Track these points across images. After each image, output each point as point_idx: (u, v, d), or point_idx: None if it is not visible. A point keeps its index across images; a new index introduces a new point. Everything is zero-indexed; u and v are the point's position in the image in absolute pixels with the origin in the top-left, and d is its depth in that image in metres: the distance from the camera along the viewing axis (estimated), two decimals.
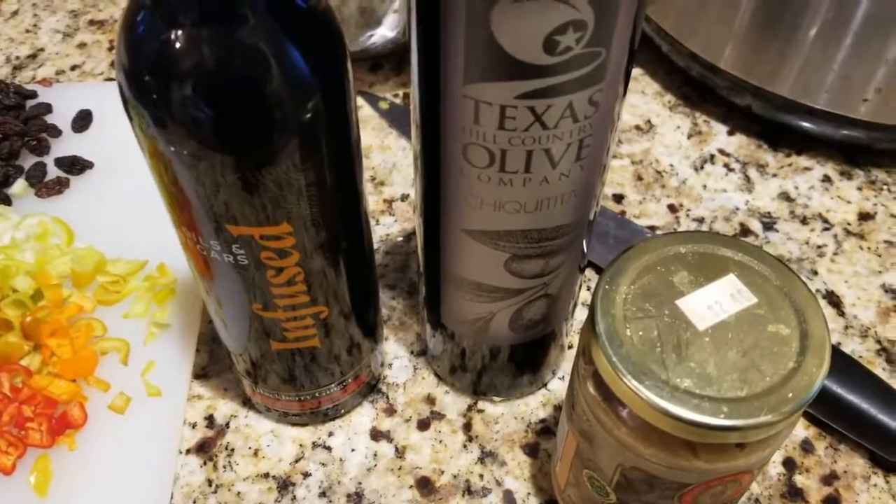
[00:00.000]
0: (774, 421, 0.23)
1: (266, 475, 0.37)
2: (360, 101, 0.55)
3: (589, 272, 0.45)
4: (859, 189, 0.50)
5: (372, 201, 0.49)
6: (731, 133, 0.53)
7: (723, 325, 0.25)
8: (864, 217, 0.48)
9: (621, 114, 0.28)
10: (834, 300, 0.44)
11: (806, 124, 0.50)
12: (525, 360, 0.38)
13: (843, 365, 0.38)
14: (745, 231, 0.47)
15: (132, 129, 0.25)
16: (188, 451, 0.37)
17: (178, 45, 0.23)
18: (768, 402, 0.23)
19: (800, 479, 0.37)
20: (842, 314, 0.43)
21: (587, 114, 0.25)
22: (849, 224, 0.48)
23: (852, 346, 0.42)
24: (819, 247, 0.46)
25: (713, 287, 0.26)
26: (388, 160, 0.51)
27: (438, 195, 0.29)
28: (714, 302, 0.25)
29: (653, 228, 0.47)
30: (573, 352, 0.41)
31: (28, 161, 0.49)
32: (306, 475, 0.37)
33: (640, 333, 0.25)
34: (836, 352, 0.38)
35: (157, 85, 0.23)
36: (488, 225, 0.29)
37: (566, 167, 0.26)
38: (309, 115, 0.25)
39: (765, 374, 0.24)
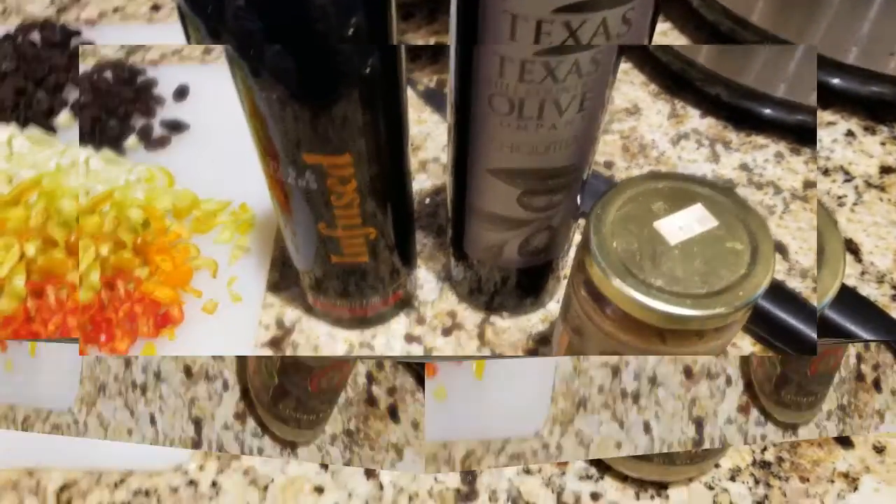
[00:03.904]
0: (726, 313, 0.24)
1: None
2: None
3: (582, 221, 0.46)
4: (882, 144, 0.45)
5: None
6: (702, 116, 0.53)
7: (690, 241, 0.26)
8: (886, 170, 0.44)
9: (614, 85, 0.29)
10: (852, 247, 0.40)
11: (834, 80, 0.44)
12: (529, 284, 0.39)
13: (859, 306, 0.36)
14: None
15: (234, 83, 0.27)
16: (262, 345, 0.39)
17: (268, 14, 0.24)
18: (723, 298, 0.24)
19: None
20: (859, 261, 0.40)
21: (601, 57, 0.26)
22: (870, 177, 0.43)
23: (868, 291, 0.39)
24: (839, 197, 0.43)
25: (683, 213, 0.27)
26: (423, 130, 0.52)
27: (468, 141, 0.30)
28: (683, 224, 0.26)
29: None
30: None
31: (139, 122, 0.51)
32: None
33: (624, 246, 0.26)
34: (853, 294, 0.36)
35: (254, 45, 0.24)
36: (507, 164, 0.30)
37: (570, 116, 0.27)
38: (368, 70, 0.26)
39: (722, 278, 0.25)
